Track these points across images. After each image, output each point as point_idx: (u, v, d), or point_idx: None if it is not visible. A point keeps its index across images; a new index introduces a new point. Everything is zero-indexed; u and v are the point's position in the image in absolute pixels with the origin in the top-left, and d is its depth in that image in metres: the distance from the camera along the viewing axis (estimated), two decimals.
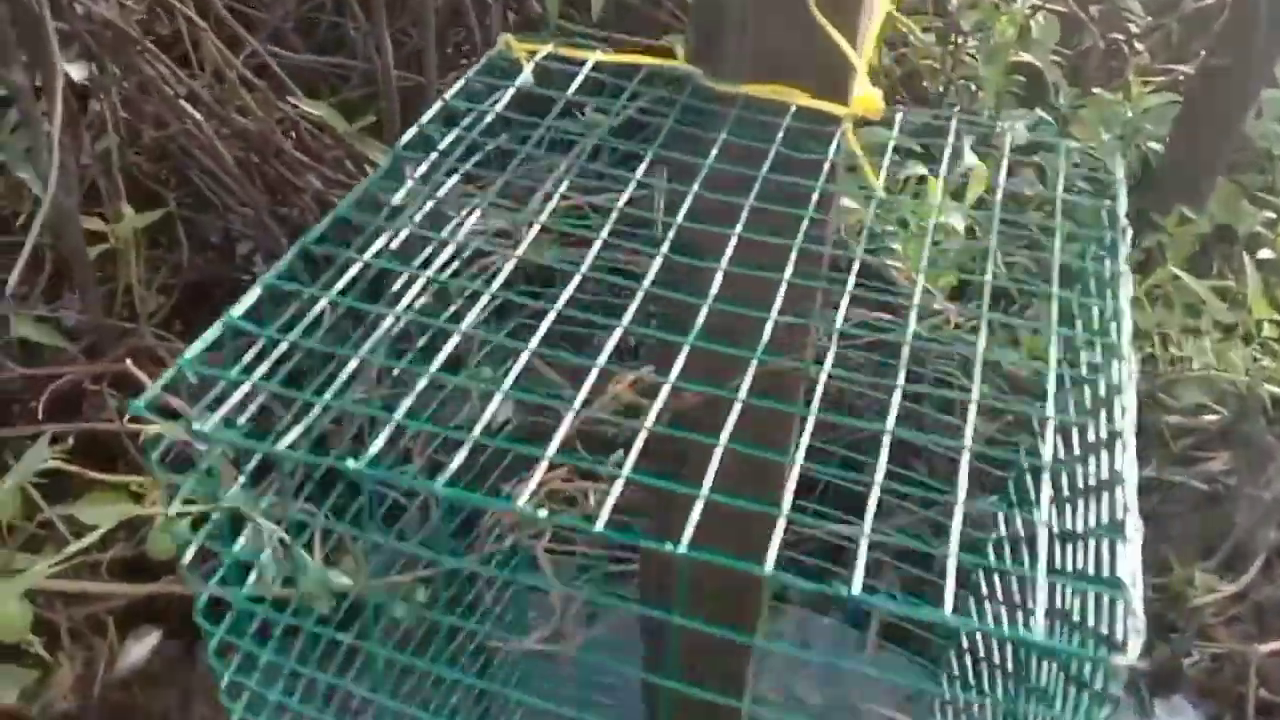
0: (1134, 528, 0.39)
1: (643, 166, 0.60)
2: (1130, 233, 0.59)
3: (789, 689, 1.29)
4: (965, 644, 0.86)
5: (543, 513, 0.38)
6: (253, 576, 0.50)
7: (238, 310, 0.45)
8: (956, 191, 1.45)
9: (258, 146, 1.70)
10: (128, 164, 1.71)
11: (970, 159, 1.43)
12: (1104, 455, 0.48)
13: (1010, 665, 0.71)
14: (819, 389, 0.54)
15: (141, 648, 1.40)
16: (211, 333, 0.44)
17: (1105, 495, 0.46)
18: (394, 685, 0.83)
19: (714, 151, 0.63)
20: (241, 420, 0.48)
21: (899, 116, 0.70)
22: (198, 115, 1.62)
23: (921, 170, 1.48)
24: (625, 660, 1.24)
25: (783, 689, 1.26)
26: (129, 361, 0.88)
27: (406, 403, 0.41)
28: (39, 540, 1.15)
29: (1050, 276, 0.56)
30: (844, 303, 0.52)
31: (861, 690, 1.30)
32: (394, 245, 0.58)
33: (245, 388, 0.42)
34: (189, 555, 0.47)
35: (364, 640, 0.49)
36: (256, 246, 1.80)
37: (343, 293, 0.51)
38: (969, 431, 0.43)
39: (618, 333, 0.48)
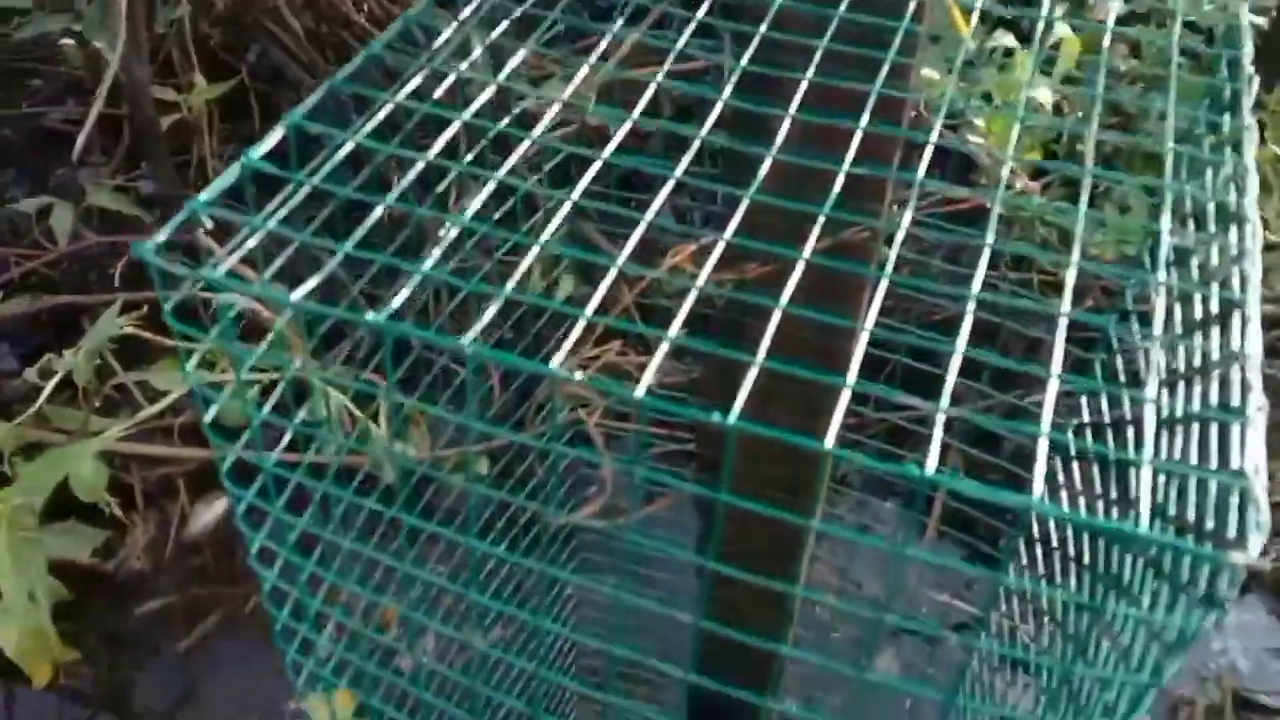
0: (1256, 407, 0.34)
1: (705, 5, 0.54)
2: (1257, 82, 0.52)
3: (847, 572, 1.27)
4: (1035, 532, 0.82)
5: (578, 375, 0.34)
6: (285, 439, 0.48)
7: (257, 152, 0.41)
8: (1044, 67, 1.35)
9: (327, 16, 1.67)
10: (200, 35, 1.68)
11: (1062, 29, 1.33)
12: (1214, 331, 0.43)
13: (1086, 557, 0.67)
14: (892, 257, 0.49)
15: (211, 512, 1.43)
16: (230, 174, 0.40)
17: (1214, 376, 0.41)
18: (444, 561, 0.82)
19: None
20: (268, 274, 0.45)
21: None
22: None
23: (1010, 41, 1.38)
24: (683, 536, 1.23)
25: (840, 572, 1.24)
26: (200, 231, 0.86)
27: (436, 252, 0.37)
28: (114, 404, 1.17)
29: (1145, 152, 0.50)
30: (926, 155, 0.46)
31: (922, 575, 1.27)
32: (437, 93, 0.53)
33: (261, 234, 0.39)
34: (210, 415, 0.45)
35: (398, 511, 0.47)
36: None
37: (382, 138, 0.47)
38: (1068, 295, 0.38)
39: (670, 184, 0.43)
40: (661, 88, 0.52)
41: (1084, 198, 0.43)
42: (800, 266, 0.43)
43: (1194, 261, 0.49)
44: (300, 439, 0.55)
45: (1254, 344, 0.36)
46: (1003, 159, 1.06)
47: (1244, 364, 0.36)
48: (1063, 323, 0.37)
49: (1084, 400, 0.68)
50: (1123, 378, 0.67)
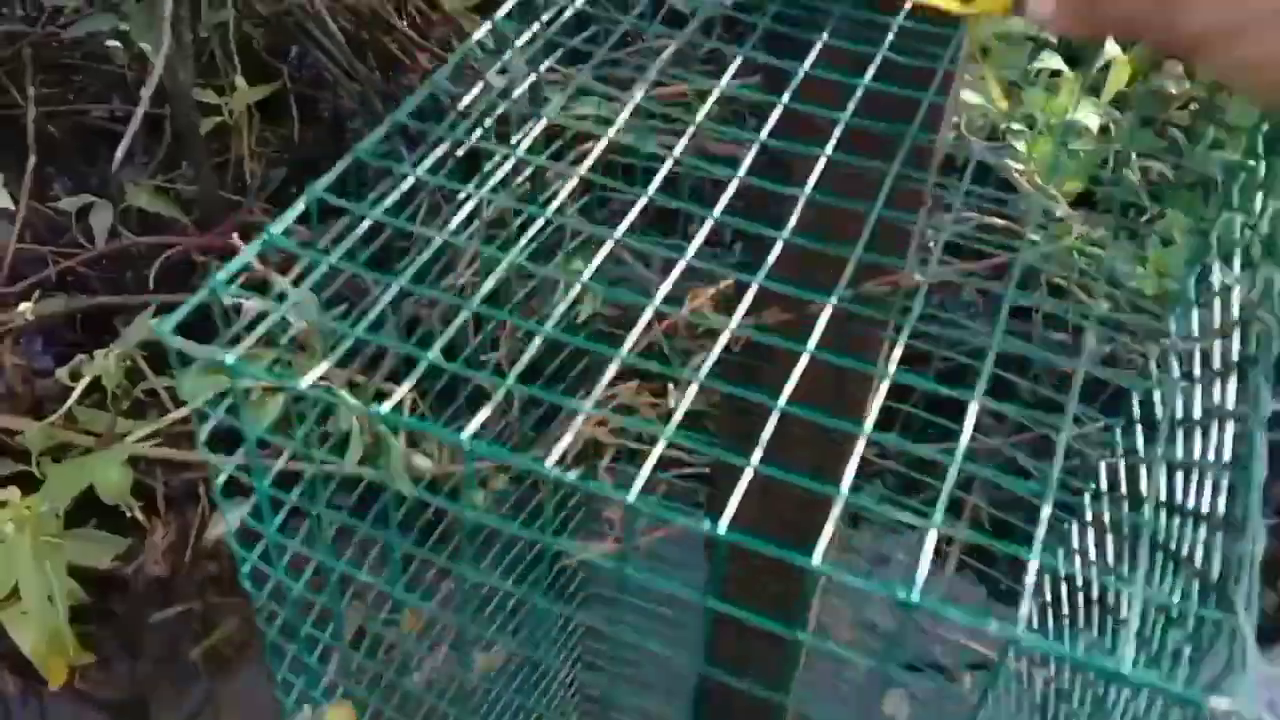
0: (1252, 540, 0.33)
1: (730, 71, 0.53)
2: None
3: (859, 611, 1.26)
4: (1049, 584, 0.81)
5: (572, 476, 0.34)
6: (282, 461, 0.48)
7: (323, 183, 0.42)
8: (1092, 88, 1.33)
9: (368, 22, 1.69)
10: (244, 36, 1.70)
11: (1111, 49, 1.30)
12: (1234, 419, 0.42)
13: (1096, 616, 0.66)
14: (918, 301, 0.48)
15: (232, 518, 1.44)
16: (252, 249, 0.41)
17: (1226, 478, 0.40)
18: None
19: (811, 56, 0.56)
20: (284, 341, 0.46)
21: None
22: None
23: (1057, 63, 1.35)
24: (695, 557, 1.22)
25: (851, 610, 1.24)
26: (235, 235, 0.87)
27: (480, 295, 0.38)
28: (143, 405, 1.18)
29: (1192, 181, 0.49)
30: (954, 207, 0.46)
31: (934, 614, 1.26)
32: (487, 123, 0.54)
33: (323, 267, 0.40)
34: (221, 479, 0.46)
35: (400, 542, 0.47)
36: (366, 124, 1.80)
37: (435, 171, 0.48)
38: (1089, 342, 0.37)
39: (707, 224, 0.44)
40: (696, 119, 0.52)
41: (1114, 238, 0.42)
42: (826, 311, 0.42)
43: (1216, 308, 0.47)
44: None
45: (1260, 469, 0.35)
46: (1042, 188, 1.04)
47: (1249, 488, 0.35)
48: (1077, 380, 0.37)
49: (1102, 466, 0.67)
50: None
